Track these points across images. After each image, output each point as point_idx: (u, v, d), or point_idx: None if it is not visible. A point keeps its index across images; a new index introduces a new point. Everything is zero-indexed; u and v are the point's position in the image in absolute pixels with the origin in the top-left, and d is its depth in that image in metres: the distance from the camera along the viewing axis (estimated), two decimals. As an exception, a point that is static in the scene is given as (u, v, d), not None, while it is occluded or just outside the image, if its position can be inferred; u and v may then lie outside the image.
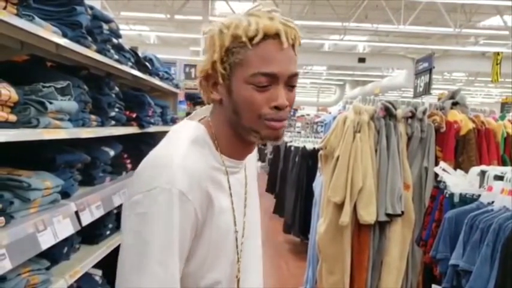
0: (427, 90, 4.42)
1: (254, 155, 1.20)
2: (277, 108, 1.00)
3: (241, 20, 0.99)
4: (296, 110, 19.18)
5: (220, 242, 1.03)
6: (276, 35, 0.98)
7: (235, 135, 1.04)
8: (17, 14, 1.57)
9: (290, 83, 1.02)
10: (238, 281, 1.08)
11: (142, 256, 0.91)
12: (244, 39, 0.97)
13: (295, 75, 1.02)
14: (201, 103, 6.99)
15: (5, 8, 1.51)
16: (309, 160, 5.89)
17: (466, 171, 2.67)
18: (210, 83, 1.03)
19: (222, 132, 1.05)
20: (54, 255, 2.00)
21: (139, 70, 3.13)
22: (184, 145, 1.00)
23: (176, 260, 0.94)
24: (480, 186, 2.39)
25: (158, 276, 0.91)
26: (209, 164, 1.02)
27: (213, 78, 1.02)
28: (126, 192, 1.00)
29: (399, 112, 3.30)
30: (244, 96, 0.99)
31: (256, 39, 0.97)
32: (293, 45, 1.02)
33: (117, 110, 2.69)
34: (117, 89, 2.72)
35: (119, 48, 2.72)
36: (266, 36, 0.97)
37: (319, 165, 3.46)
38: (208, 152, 1.03)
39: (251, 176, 1.17)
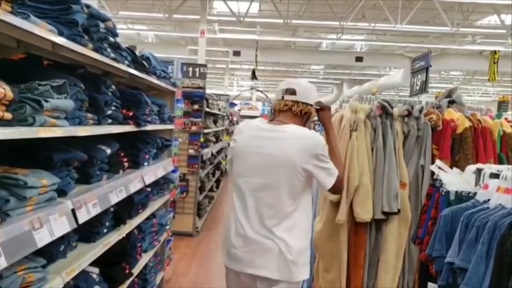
0: (423, 88, 4.43)
1: None
2: None
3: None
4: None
5: None
6: None
7: None
8: (11, 12, 1.57)
9: None
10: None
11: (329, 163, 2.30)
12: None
13: None
14: (198, 102, 6.99)
15: (-1, 6, 1.51)
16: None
17: (463, 169, 2.67)
18: (303, 113, 2.40)
19: None
20: (51, 253, 2.00)
21: (136, 69, 3.12)
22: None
23: None
24: (476, 184, 2.39)
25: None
26: None
27: (306, 112, 2.42)
28: (307, 147, 2.26)
29: (395, 110, 3.30)
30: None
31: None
32: None
33: (113, 108, 2.68)
34: (113, 87, 2.71)
35: (115, 47, 2.71)
36: None
37: (316, 163, 3.46)
38: None
39: None
